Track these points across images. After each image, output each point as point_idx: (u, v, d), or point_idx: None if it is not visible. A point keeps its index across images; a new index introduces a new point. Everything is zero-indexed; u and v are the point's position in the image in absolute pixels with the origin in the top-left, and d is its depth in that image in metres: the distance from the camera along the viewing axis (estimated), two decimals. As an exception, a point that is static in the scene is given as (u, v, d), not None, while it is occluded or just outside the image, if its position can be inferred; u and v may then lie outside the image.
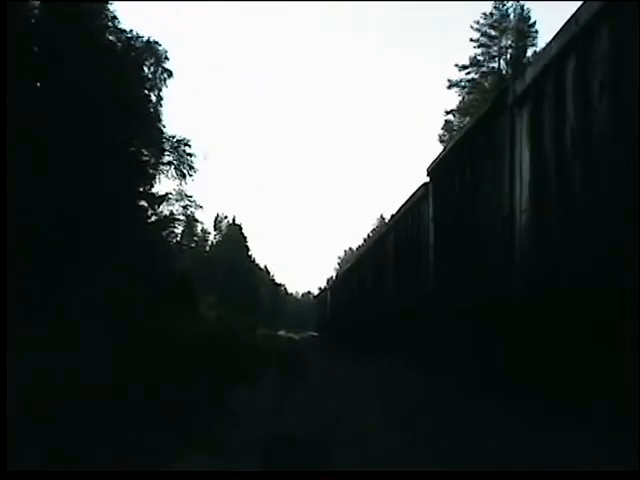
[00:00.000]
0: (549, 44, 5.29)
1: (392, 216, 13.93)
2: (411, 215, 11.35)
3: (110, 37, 23.92)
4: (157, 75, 26.12)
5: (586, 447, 3.86)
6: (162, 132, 26.92)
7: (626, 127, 4.05)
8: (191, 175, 28.40)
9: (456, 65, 37.65)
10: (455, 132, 32.55)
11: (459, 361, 7.27)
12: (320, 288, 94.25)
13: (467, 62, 37.06)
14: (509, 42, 35.71)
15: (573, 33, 4.78)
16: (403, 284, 11.83)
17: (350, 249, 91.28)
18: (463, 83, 37.33)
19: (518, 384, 5.44)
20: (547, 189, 5.26)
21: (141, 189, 25.62)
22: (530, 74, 5.58)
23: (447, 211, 8.70)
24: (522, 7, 35.62)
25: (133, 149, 24.76)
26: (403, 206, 12.10)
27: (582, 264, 4.61)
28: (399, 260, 12.41)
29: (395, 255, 12.93)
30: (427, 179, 9.95)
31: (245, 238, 72.44)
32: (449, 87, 38.04)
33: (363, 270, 19.04)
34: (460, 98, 37.74)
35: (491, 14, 36.15)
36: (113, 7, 23.49)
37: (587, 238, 4.63)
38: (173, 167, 27.98)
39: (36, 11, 21.21)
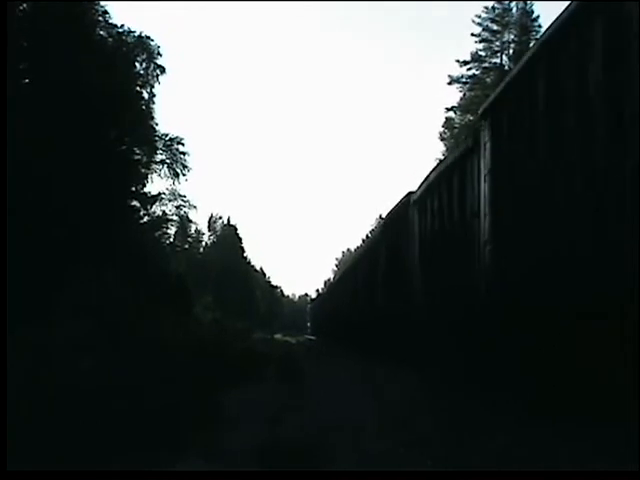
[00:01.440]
0: (421, 184, 11.24)
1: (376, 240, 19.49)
2: (374, 251, 17.44)
3: (101, 32, 23.40)
4: (149, 71, 25.56)
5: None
6: (154, 130, 26.36)
7: (446, 232, 9.34)
8: (184, 174, 27.85)
9: (457, 61, 37.24)
10: (456, 130, 32.03)
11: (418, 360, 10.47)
12: (317, 290, 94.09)
13: (468, 57, 36.77)
14: (512, 37, 35.28)
15: (430, 182, 10.48)
16: (365, 300, 18.02)
17: (348, 250, 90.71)
18: (464, 79, 36.92)
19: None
20: (425, 263, 10.79)
21: (133, 189, 25.06)
22: (418, 194, 11.50)
23: (392, 252, 14.08)
24: (525, 1, 35.22)
25: (124, 147, 24.22)
26: (372, 241, 19.56)
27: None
28: (368, 281, 17.94)
29: (367, 276, 18.26)
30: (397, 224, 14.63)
31: (240, 239, 71.91)
32: (450, 83, 37.64)
33: (350, 282, 23.80)
34: (461, 94, 37.38)
35: (493, 8, 35.72)
36: (104, 2, 22.98)
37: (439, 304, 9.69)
38: (166, 166, 27.43)
39: (25, 6, 20.70)
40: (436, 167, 10.52)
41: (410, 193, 12.09)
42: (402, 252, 12.68)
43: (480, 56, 36.23)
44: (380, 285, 15.42)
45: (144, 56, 25.31)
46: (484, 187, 7.57)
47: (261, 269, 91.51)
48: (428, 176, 10.63)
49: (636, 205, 4.30)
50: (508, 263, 6.76)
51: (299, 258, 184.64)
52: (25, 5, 20.59)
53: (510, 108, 6.98)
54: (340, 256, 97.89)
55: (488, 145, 7.47)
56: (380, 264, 15.56)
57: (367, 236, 58.19)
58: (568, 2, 5.55)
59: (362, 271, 19.88)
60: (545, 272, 5.72)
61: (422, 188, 11.02)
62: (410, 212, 11.93)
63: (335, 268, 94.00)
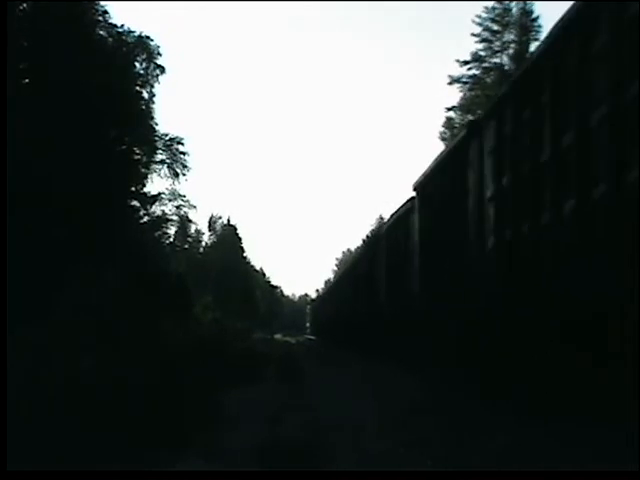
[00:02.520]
0: (388, 220, 16.83)
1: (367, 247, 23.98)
2: (359, 264, 21.76)
3: (101, 32, 23.38)
4: (149, 71, 25.49)
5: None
6: (154, 130, 26.31)
7: (400, 261, 13.21)
8: (184, 174, 27.82)
9: (457, 60, 37.12)
10: (456, 129, 31.99)
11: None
12: (317, 290, 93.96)
13: (468, 57, 36.68)
14: (512, 37, 35.16)
15: (389, 225, 15.70)
16: (356, 302, 21.08)
17: (348, 250, 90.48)
18: (464, 79, 36.82)
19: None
20: (387, 281, 14.93)
21: (133, 188, 25.03)
22: (384, 228, 16.89)
23: (370, 268, 18.04)
24: (525, 1, 35.09)
25: (124, 147, 24.20)
26: (362, 252, 23.85)
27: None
28: (355, 288, 21.79)
29: (355, 284, 22.08)
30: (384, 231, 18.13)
31: (240, 239, 71.80)
32: (450, 83, 37.45)
33: (345, 286, 26.61)
34: (461, 94, 37.31)
35: (493, 8, 35.59)
36: (104, 2, 22.97)
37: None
38: (166, 166, 27.39)
39: (25, 6, 20.70)
40: (393, 214, 14.50)
41: (382, 225, 17.27)
42: (375, 269, 16.94)
43: (480, 56, 36.10)
44: (362, 292, 19.32)
45: (144, 56, 25.27)
46: (417, 236, 11.27)
47: (261, 269, 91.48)
48: (389, 219, 15.47)
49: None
50: (432, 286, 10.10)
51: (299, 258, 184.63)
52: (25, 5, 20.59)
53: (431, 188, 10.44)
54: (340, 256, 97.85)
55: (417, 211, 11.41)
56: (361, 275, 20.03)
57: (367, 236, 58.22)
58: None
59: (352, 279, 23.93)
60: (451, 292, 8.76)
61: (386, 226, 16.22)
62: (381, 242, 16.62)
63: (335, 268, 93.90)
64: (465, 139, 8.56)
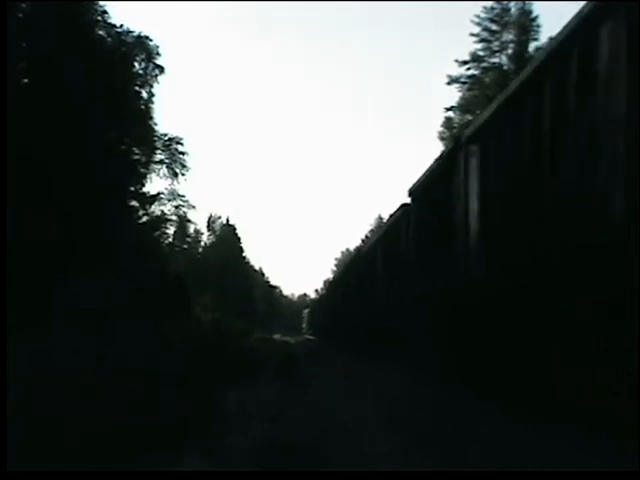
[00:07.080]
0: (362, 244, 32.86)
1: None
2: (363, 255, 22.10)
3: (100, 32, 23.39)
4: (148, 71, 25.54)
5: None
6: (154, 130, 26.35)
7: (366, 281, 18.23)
8: (183, 174, 27.84)
9: (456, 60, 37.13)
10: (455, 129, 32.00)
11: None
12: (317, 290, 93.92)
13: (467, 57, 36.71)
14: (511, 37, 35.21)
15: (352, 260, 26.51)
16: (350, 304, 22.62)
17: (347, 250, 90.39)
18: (463, 79, 36.84)
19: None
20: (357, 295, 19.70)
21: (132, 188, 25.06)
22: (366, 247, 22.66)
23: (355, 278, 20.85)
24: (524, 0, 35.10)
25: (124, 147, 24.22)
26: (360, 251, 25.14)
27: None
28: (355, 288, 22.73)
29: (345, 290, 24.77)
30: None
31: (239, 239, 71.82)
32: (449, 83, 37.52)
33: (339, 289, 28.16)
34: (460, 94, 37.30)
35: (492, 8, 35.64)
36: (103, 2, 23.01)
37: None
38: (165, 166, 27.43)
39: (24, 6, 20.69)
40: (359, 248, 19.25)
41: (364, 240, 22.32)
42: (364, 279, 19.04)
43: (479, 56, 36.13)
44: (358, 292, 21.19)
45: (143, 56, 25.30)
46: (380, 266, 14.07)
47: (260, 269, 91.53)
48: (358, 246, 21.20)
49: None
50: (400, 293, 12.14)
51: (298, 258, 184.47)
52: (25, 5, 20.59)
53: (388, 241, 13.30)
54: (340, 256, 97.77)
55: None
56: (356, 277, 22.04)
57: (366, 236, 58.24)
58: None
59: (343, 285, 25.88)
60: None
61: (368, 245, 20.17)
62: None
63: (335, 268, 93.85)
64: (452, 152, 9.26)
